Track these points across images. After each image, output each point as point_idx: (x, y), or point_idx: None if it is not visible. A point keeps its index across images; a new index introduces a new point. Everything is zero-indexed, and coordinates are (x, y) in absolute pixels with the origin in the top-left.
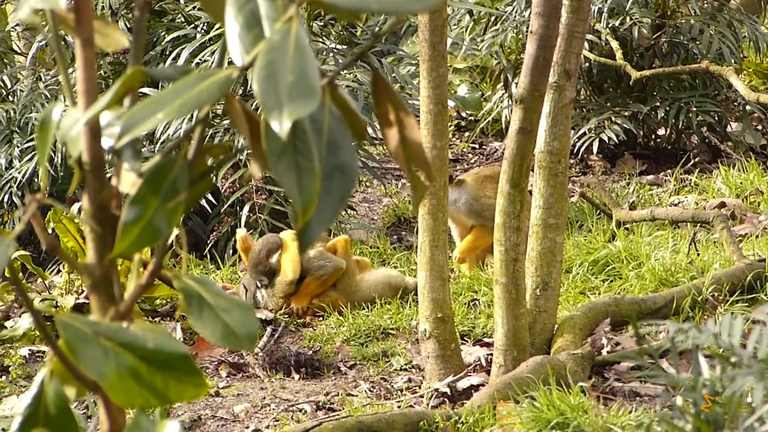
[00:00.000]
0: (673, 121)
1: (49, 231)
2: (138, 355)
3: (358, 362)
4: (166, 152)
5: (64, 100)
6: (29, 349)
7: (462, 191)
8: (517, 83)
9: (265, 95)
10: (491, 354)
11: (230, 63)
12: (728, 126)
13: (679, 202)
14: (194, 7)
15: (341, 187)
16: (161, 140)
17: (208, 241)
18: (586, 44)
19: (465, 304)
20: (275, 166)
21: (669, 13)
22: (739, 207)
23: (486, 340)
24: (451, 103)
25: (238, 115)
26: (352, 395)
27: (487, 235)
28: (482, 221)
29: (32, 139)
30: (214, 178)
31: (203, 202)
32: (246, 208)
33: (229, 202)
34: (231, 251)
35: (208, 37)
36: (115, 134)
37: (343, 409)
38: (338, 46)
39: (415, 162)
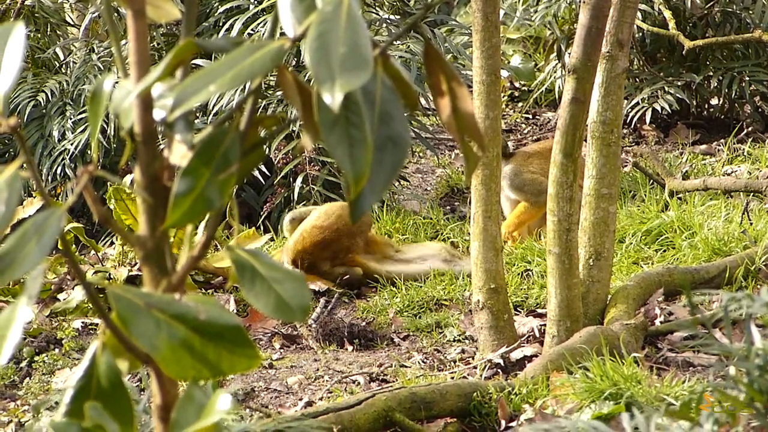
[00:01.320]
0: (726, 90)
1: (110, 208)
2: (190, 326)
3: (411, 333)
4: (218, 124)
5: (117, 72)
6: (82, 322)
7: (507, 164)
8: (570, 53)
9: (317, 67)
10: (544, 325)
11: (282, 34)
12: None
13: (732, 172)
14: None
15: (393, 158)
16: (214, 111)
17: (261, 213)
18: (638, 14)
19: (518, 274)
20: (327, 138)
21: None
22: None
23: (539, 310)
24: (504, 74)
25: (291, 86)
26: (405, 366)
27: (532, 210)
28: (523, 196)
29: (85, 111)
30: (267, 149)
31: (256, 173)
32: (299, 180)
33: (282, 174)
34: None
35: (260, 7)
36: (167, 106)
37: (397, 380)
38: (391, 17)
39: (467, 132)
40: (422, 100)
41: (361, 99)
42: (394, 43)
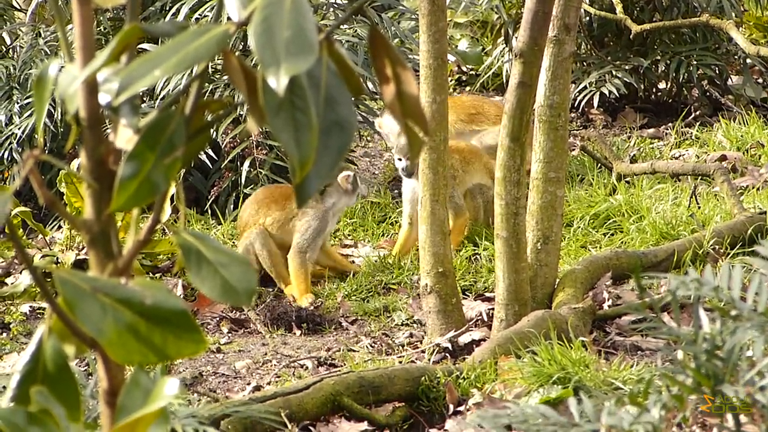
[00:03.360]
0: (674, 74)
1: (60, 191)
2: (136, 311)
3: (359, 318)
4: (164, 108)
5: (63, 57)
6: (30, 306)
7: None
8: (517, 37)
9: (262, 51)
10: (492, 309)
11: (228, 19)
12: (729, 79)
13: (680, 156)
14: None
15: (339, 141)
16: (161, 96)
17: (209, 197)
18: None
19: (466, 258)
20: (273, 122)
21: None
22: (739, 160)
23: (487, 294)
24: (451, 58)
25: (236, 70)
26: (354, 351)
27: (459, 221)
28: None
29: (31, 96)
30: (215, 133)
31: (203, 157)
32: (246, 164)
33: (229, 158)
34: (232, 206)
35: None
36: (112, 90)
37: (345, 364)
38: (338, 1)
39: (411, 117)
40: (369, 84)
41: (306, 83)
42: (341, 27)
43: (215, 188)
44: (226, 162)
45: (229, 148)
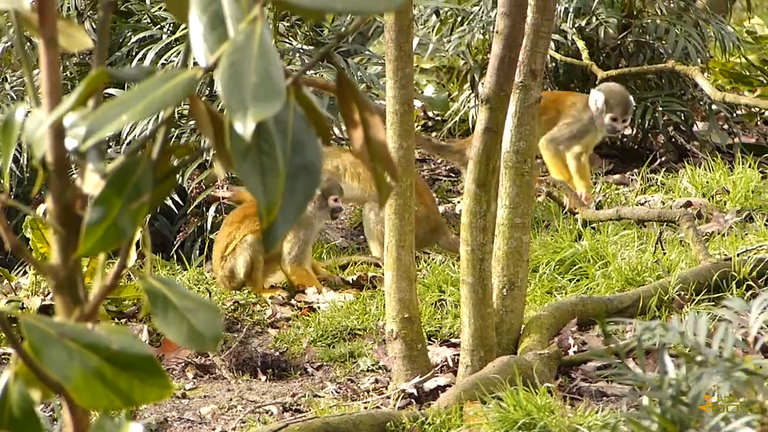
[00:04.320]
0: (640, 120)
1: (26, 236)
2: (103, 356)
3: (324, 363)
4: (131, 153)
5: (29, 101)
6: None
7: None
8: (483, 83)
9: (229, 96)
10: (458, 354)
11: (195, 64)
12: (694, 125)
13: (645, 202)
14: (160, 8)
15: (306, 186)
16: (128, 141)
17: (175, 242)
18: (552, 44)
19: (432, 304)
20: (239, 167)
21: (635, 12)
22: (705, 206)
23: (453, 340)
24: (417, 103)
25: (203, 115)
26: (319, 396)
27: None
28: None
29: None
30: (181, 179)
31: (169, 202)
32: (212, 209)
33: (195, 203)
34: (198, 252)
35: (174, 37)
36: (79, 135)
37: (310, 410)
38: (305, 47)
39: (379, 162)
40: (335, 129)
41: (273, 128)
42: (308, 72)
43: (181, 234)
44: (192, 208)
45: (195, 194)
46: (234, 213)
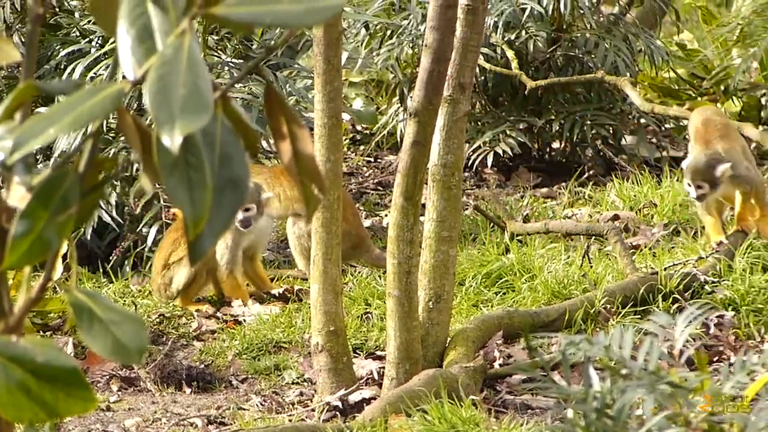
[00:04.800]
0: (568, 134)
1: None
2: (27, 369)
3: (249, 376)
4: (58, 166)
5: None
6: None
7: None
8: (412, 97)
9: (156, 109)
10: (383, 367)
11: (123, 77)
12: (623, 139)
13: (573, 215)
14: (89, 21)
15: (233, 199)
16: (55, 154)
17: (111, 257)
18: (481, 57)
19: (358, 317)
20: (167, 180)
21: (565, 26)
22: (632, 219)
23: (378, 353)
24: (346, 117)
25: (131, 129)
26: (244, 409)
27: None
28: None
29: None
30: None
31: (108, 219)
32: (154, 229)
33: (143, 222)
34: (129, 267)
35: (102, 51)
36: (6, 148)
37: (235, 423)
38: (234, 60)
39: (307, 175)
40: (264, 142)
41: (201, 141)
42: (236, 85)
43: (117, 249)
44: (128, 223)
45: (134, 210)
46: (180, 220)
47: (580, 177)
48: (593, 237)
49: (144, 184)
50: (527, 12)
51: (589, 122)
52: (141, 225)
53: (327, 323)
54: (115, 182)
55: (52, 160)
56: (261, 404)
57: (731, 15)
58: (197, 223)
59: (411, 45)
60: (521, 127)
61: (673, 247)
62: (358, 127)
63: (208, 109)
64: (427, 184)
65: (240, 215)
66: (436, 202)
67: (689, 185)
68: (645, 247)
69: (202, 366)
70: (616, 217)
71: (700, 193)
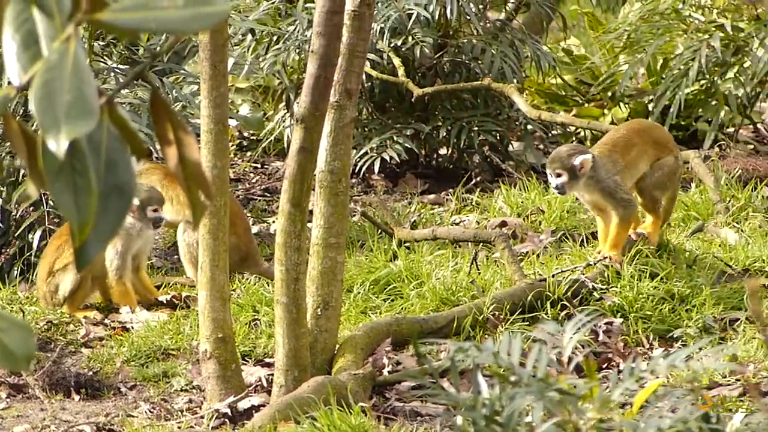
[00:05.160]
0: (455, 140)
1: None
2: None
3: (138, 383)
4: None
5: None
6: None
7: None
8: (298, 103)
9: (42, 115)
10: (272, 374)
11: (9, 83)
12: (510, 145)
13: (460, 222)
14: None
15: (119, 205)
16: None
17: None
18: (368, 63)
19: (246, 324)
20: (52, 186)
21: (451, 32)
22: (520, 226)
23: (267, 360)
24: (232, 123)
25: (16, 134)
26: (133, 416)
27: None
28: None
29: None
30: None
31: None
32: (38, 234)
33: (23, 226)
34: (17, 272)
35: None
36: None
37: (123, 430)
38: (120, 66)
39: (193, 181)
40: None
41: (86, 147)
42: (124, 91)
43: (3, 255)
44: (13, 230)
45: (19, 216)
46: (66, 226)
47: (467, 183)
48: (481, 244)
49: (29, 189)
50: (413, 18)
51: (476, 128)
52: (22, 229)
53: (215, 330)
54: (1, 187)
55: None
56: (150, 411)
57: (618, 21)
58: (83, 228)
59: (297, 51)
60: (408, 133)
61: (561, 254)
62: (245, 133)
63: (93, 115)
64: (314, 190)
65: (152, 215)
66: (324, 208)
67: (550, 174)
68: (533, 253)
69: (91, 373)
70: (503, 224)
71: (559, 182)
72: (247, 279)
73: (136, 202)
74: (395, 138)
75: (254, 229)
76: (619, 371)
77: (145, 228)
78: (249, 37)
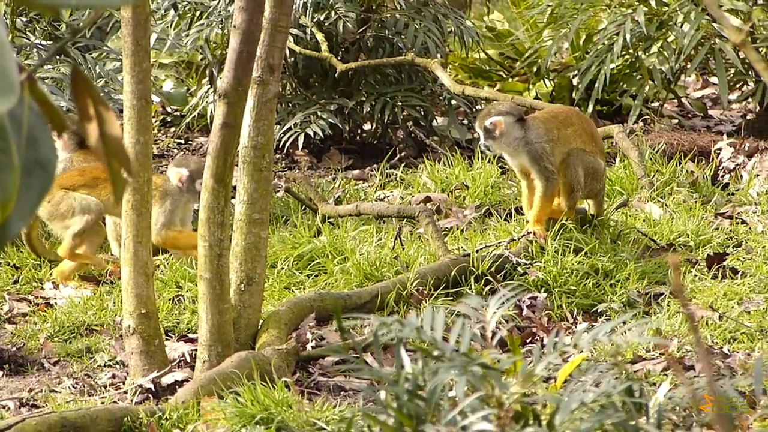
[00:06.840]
0: (379, 115)
1: None
2: None
3: (61, 359)
4: None
5: None
6: None
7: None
8: (221, 78)
9: None
10: (196, 350)
11: None
12: (434, 120)
13: (384, 197)
14: None
15: (41, 182)
16: None
17: None
18: (291, 38)
19: (169, 299)
20: None
21: (374, 7)
22: (444, 201)
23: (190, 335)
24: (156, 99)
25: None
26: (56, 392)
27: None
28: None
29: None
30: None
31: None
32: None
33: None
34: None
35: None
36: None
37: (47, 405)
38: (43, 42)
39: (115, 157)
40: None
41: (7, 123)
42: (46, 66)
43: None
44: None
45: None
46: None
47: (391, 159)
48: (405, 219)
49: None
50: None
51: (400, 104)
52: None
53: (138, 306)
54: None
55: None
56: (73, 387)
57: None
58: (5, 205)
59: (220, 26)
60: (332, 108)
61: (485, 229)
62: (169, 109)
63: (14, 91)
64: (237, 166)
65: (199, 188)
66: (247, 184)
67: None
68: (457, 229)
69: (14, 349)
70: (428, 199)
71: (483, 143)
72: (170, 255)
73: (185, 173)
74: (319, 113)
75: None
76: (543, 346)
77: (192, 200)
78: (172, 12)
